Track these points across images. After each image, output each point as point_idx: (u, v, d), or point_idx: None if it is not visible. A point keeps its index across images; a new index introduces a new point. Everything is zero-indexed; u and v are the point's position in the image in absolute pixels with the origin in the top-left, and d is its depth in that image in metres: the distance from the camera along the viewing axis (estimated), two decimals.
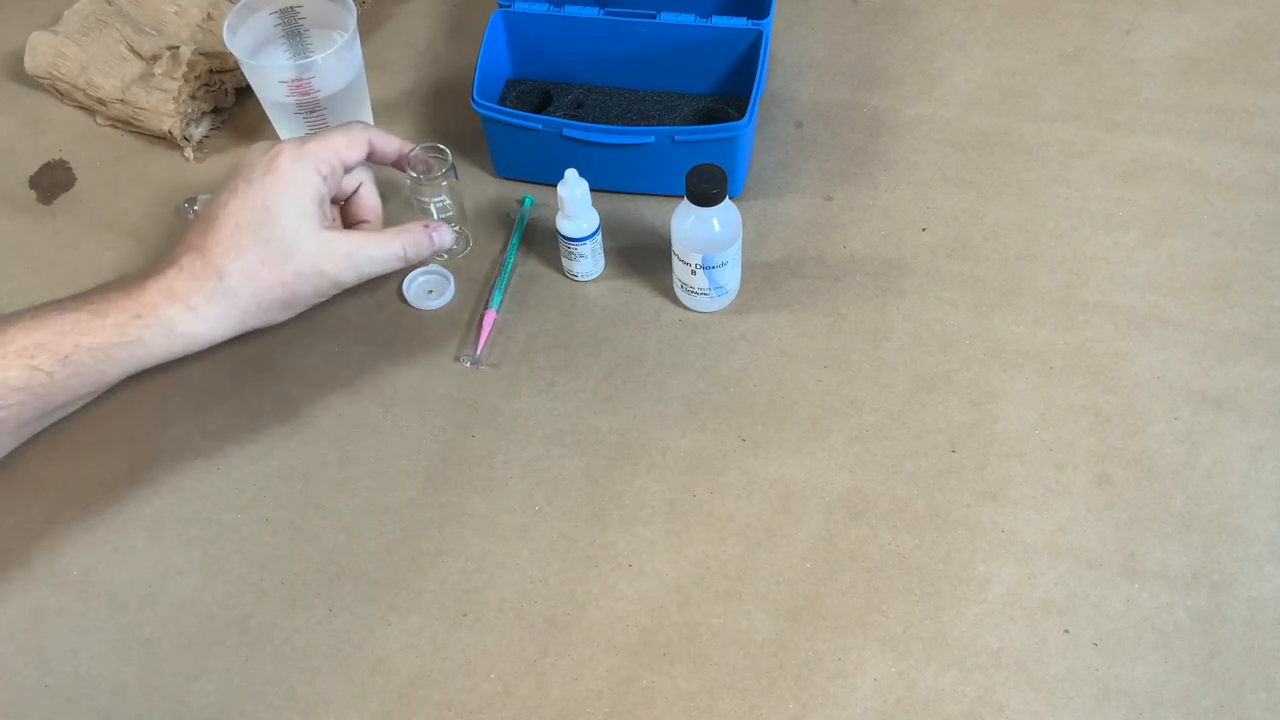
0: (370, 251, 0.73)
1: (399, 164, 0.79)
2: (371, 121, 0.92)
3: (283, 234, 0.70)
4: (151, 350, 0.68)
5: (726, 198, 0.75)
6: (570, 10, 0.88)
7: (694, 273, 0.77)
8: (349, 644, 0.67)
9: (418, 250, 0.75)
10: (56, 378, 0.66)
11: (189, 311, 0.68)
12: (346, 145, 0.74)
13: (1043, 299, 0.80)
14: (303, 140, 0.73)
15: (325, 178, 0.73)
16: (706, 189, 0.73)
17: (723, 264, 0.77)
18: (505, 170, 0.89)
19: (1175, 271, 0.81)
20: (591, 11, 0.88)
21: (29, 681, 0.67)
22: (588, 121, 0.89)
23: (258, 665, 0.67)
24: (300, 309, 0.74)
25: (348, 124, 0.76)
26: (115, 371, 0.68)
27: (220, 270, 0.68)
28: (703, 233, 0.75)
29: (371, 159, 0.77)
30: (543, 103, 0.92)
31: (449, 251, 0.84)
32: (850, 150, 0.90)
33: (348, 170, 0.76)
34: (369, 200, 0.79)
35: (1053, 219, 0.85)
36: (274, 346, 0.81)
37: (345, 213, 0.80)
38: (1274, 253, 0.82)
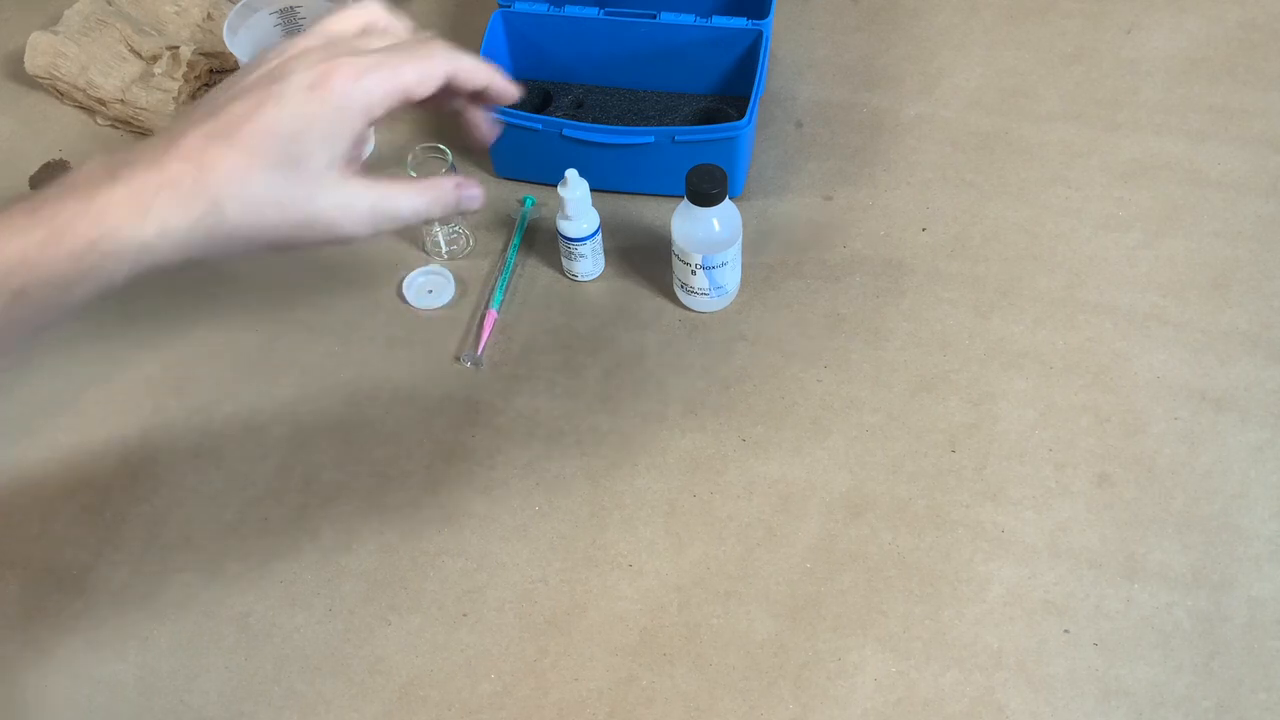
0: (394, 208, 0.60)
1: (484, 99, 0.63)
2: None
3: (304, 177, 0.57)
4: (114, 280, 0.56)
5: (726, 198, 0.75)
6: (570, 10, 0.88)
7: (694, 273, 0.77)
8: (349, 644, 0.67)
9: (444, 210, 0.62)
10: (13, 314, 0.55)
11: (162, 239, 0.54)
12: (418, 82, 0.58)
13: (1043, 299, 0.80)
14: (362, 63, 0.57)
15: (374, 119, 0.59)
16: (706, 189, 0.73)
17: (723, 264, 0.77)
18: (505, 170, 0.89)
19: (1175, 271, 0.81)
20: (591, 11, 0.88)
21: (29, 681, 0.67)
22: (588, 121, 0.89)
23: (257, 664, 0.67)
24: (288, 254, 0.62)
25: (425, 45, 0.60)
26: (75, 302, 0.56)
27: (217, 200, 0.55)
28: (703, 233, 0.75)
29: (447, 90, 0.61)
30: (543, 103, 0.92)
31: (454, 250, 0.84)
32: (850, 150, 0.90)
33: (406, 105, 0.60)
34: (475, 80, 0.61)
35: (1053, 219, 0.85)
36: (274, 346, 0.81)
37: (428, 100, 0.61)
38: (1274, 253, 0.82)
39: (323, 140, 0.57)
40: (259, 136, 0.56)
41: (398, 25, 0.61)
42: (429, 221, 0.62)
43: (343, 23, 0.60)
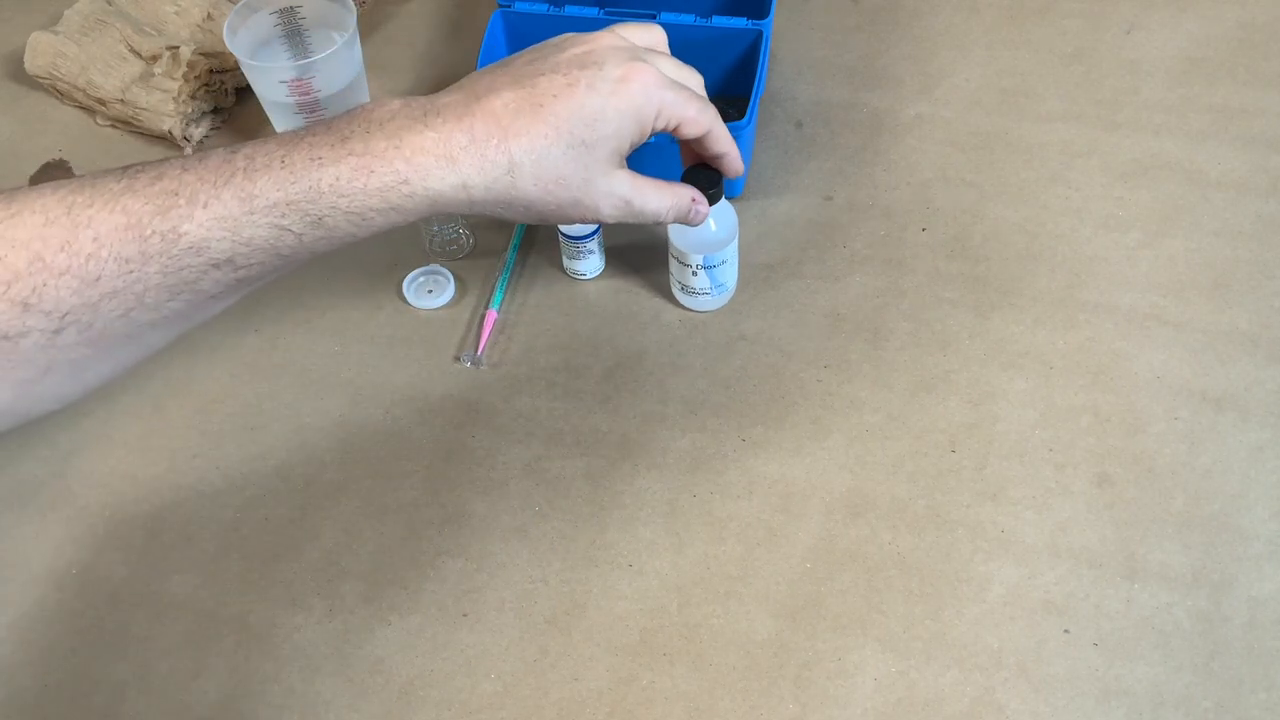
0: (644, 204, 0.64)
1: (716, 162, 0.69)
2: None
3: (589, 160, 0.60)
4: (406, 218, 0.57)
5: (723, 198, 0.75)
6: (570, 10, 0.88)
7: (695, 274, 0.77)
8: (349, 644, 0.67)
9: (676, 217, 0.66)
10: (305, 239, 0.55)
11: (459, 191, 0.57)
12: (692, 121, 0.64)
13: (1043, 299, 0.80)
14: (663, 81, 0.62)
15: (649, 131, 0.63)
16: (704, 189, 0.73)
17: (722, 262, 0.77)
18: None
19: (1175, 271, 0.81)
20: (591, 12, 0.88)
21: (29, 681, 0.67)
22: None
23: (257, 664, 0.67)
24: (538, 222, 0.65)
25: (705, 101, 0.66)
26: (366, 235, 0.57)
27: (514, 164, 0.58)
28: (698, 233, 0.75)
29: (689, 142, 0.67)
30: None
31: (454, 250, 0.84)
32: (850, 150, 0.90)
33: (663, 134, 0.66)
34: (720, 145, 0.67)
35: (1053, 219, 0.85)
36: (274, 346, 0.81)
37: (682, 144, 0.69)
38: (1274, 253, 0.82)
39: (614, 131, 0.60)
40: (565, 116, 0.58)
41: (674, 60, 0.65)
42: (660, 223, 0.67)
43: (639, 33, 0.66)
